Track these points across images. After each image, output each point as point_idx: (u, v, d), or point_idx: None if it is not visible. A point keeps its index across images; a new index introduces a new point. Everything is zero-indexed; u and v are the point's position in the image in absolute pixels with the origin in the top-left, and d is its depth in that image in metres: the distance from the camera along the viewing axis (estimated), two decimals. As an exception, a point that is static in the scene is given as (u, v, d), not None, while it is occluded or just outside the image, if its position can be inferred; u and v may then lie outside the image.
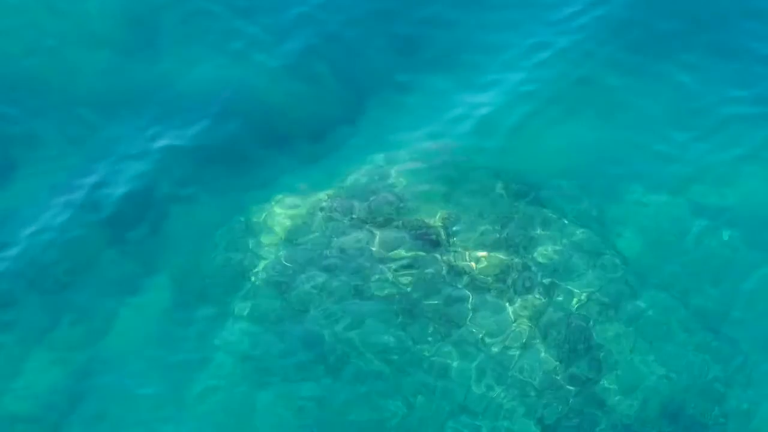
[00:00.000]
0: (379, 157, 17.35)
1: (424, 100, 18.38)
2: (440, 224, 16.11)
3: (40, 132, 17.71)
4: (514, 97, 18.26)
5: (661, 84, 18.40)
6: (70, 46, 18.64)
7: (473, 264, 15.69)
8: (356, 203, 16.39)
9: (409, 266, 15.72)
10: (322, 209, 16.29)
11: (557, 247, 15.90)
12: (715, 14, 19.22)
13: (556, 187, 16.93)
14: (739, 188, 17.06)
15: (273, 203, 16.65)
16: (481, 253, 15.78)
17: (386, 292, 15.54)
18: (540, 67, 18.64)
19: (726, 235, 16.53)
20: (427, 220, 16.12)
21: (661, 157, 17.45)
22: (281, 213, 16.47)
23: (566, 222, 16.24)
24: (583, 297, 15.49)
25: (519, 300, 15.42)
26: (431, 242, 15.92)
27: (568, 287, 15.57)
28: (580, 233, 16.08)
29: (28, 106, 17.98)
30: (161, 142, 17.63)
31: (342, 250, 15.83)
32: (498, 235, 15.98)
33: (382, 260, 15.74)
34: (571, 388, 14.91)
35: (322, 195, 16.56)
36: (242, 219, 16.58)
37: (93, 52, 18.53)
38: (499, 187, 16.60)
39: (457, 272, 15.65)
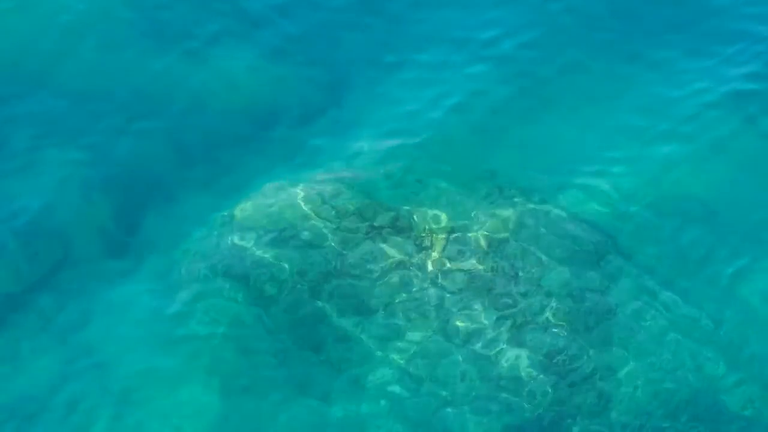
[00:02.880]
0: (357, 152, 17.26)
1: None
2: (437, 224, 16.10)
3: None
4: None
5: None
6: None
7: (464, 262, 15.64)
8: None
9: (397, 264, 15.63)
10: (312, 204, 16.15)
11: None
12: None
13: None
14: None
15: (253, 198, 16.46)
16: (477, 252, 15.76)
17: (375, 287, 15.55)
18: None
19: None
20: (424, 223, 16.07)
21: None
22: (263, 207, 16.27)
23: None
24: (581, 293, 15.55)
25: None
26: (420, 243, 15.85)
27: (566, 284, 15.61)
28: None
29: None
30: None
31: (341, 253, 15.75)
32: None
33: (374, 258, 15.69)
34: (565, 383, 14.96)
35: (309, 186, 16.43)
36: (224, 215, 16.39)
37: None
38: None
39: (448, 270, 15.64)
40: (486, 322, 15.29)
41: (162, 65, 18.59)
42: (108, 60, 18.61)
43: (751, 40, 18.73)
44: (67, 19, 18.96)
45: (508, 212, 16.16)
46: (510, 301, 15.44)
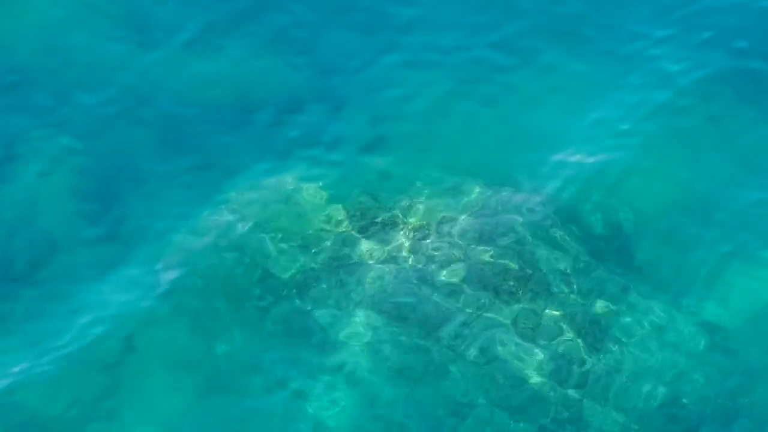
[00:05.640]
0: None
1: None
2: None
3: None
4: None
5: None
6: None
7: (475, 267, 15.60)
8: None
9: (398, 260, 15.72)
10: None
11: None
12: None
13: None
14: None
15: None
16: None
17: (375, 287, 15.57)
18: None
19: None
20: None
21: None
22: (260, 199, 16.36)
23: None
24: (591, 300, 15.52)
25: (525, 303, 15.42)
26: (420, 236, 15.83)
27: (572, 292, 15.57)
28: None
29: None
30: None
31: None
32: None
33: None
34: (571, 390, 14.91)
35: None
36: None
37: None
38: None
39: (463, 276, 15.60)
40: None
41: (150, 59, 18.52)
42: (95, 54, 18.52)
43: None
44: (55, 14, 18.90)
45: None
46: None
